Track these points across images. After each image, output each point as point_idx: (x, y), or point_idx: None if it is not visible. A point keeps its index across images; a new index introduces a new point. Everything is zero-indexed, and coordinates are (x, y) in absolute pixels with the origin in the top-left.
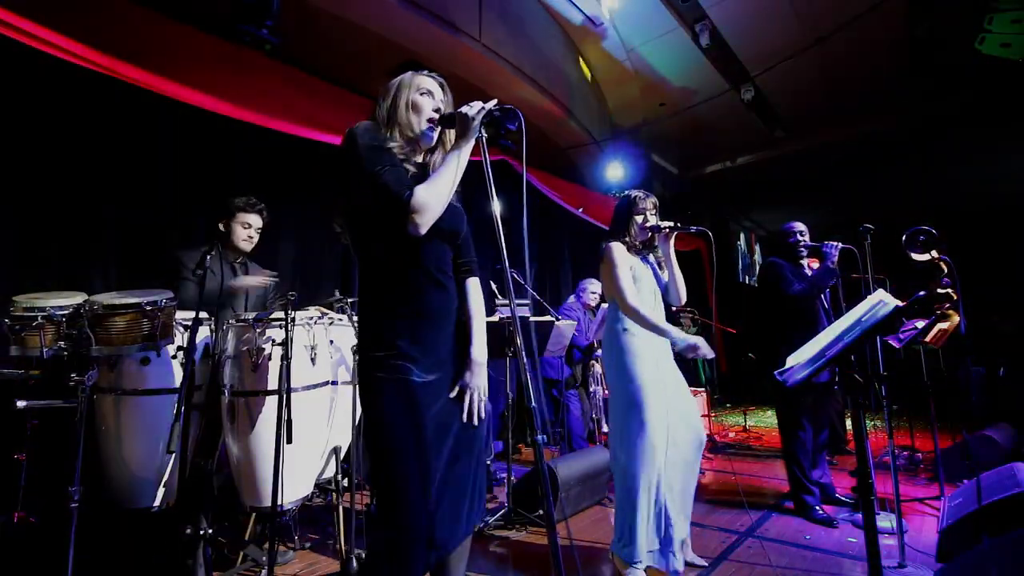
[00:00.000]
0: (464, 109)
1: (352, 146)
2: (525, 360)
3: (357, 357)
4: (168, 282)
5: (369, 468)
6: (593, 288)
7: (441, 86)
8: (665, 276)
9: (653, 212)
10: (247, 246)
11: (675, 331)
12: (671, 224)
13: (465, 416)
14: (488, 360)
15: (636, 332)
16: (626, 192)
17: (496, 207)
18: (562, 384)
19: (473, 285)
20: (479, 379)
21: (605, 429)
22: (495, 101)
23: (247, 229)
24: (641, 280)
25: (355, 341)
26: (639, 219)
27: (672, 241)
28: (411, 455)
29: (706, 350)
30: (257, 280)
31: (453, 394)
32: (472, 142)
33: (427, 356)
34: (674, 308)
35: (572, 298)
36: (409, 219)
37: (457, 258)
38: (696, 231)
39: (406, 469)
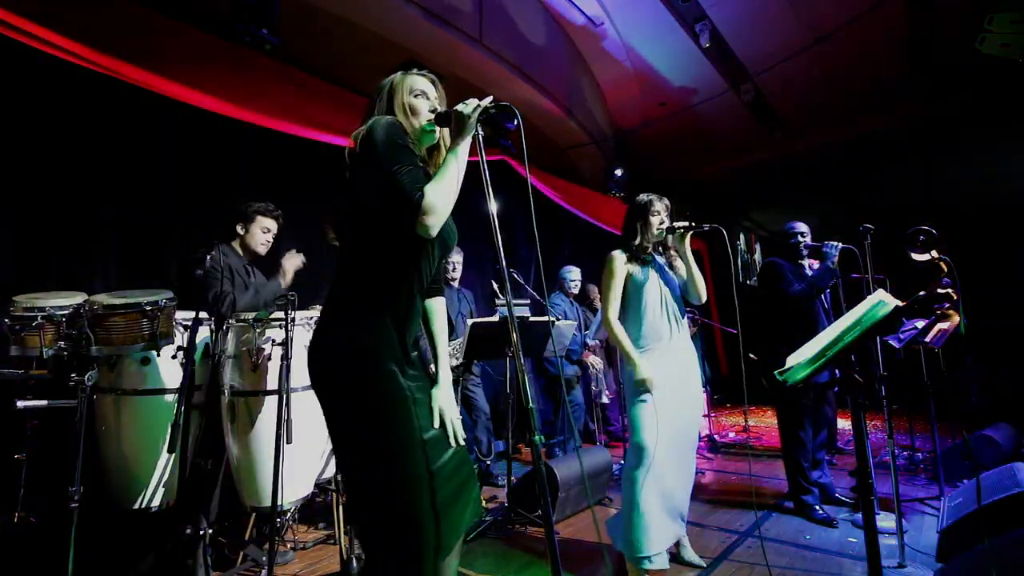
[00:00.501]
0: (459, 107)
1: (371, 141)
2: (523, 360)
3: (332, 357)
4: (185, 288)
5: (352, 470)
6: (573, 276)
7: (433, 82)
8: (678, 276)
9: (666, 214)
10: (264, 250)
11: (636, 361)
12: (685, 224)
13: (452, 441)
14: (486, 360)
15: (647, 345)
16: (639, 195)
17: (493, 207)
18: (563, 383)
19: (439, 304)
20: (447, 397)
21: (605, 400)
22: (491, 98)
23: (266, 234)
24: (646, 286)
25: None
26: (655, 220)
27: (688, 241)
28: (419, 455)
29: (649, 386)
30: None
31: (436, 418)
32: (469, 140)
33: (408, 358)
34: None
35: (556, 292)
36: (419, 220)
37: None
38: (709, 229)
39: (415, 470)
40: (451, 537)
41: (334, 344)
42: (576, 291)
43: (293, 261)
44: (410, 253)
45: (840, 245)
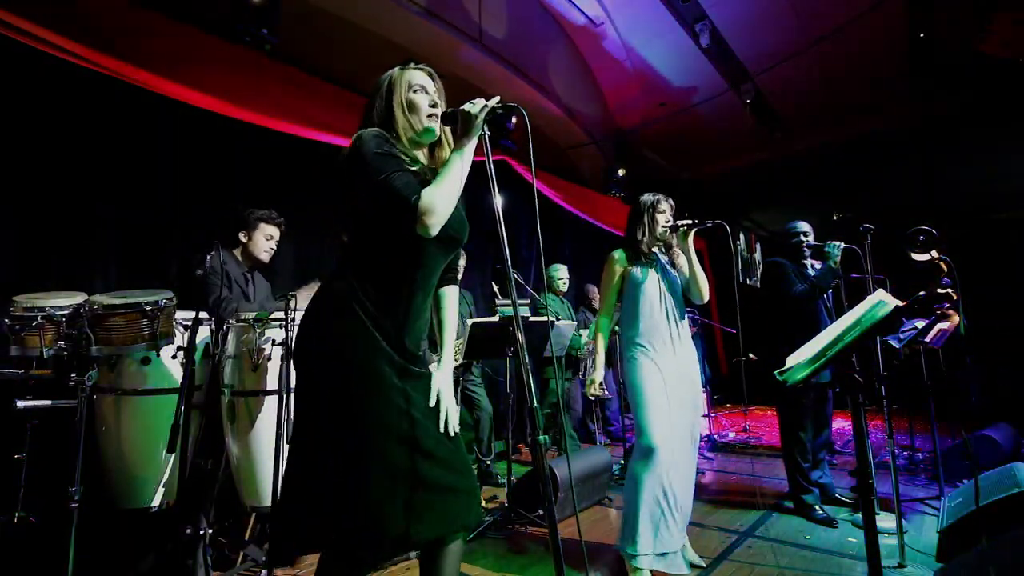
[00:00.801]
0: (466, 106)
1: (358, 153)
2: (526, 360)
3: (317, 361)
4: (185, 288)
5: (331, 475)
6: (560, 275)
7: (431, 76)
8: (680, 275)
9: (671, 213)
10: (267, 257)
11: (598, 368)
12: (689, 222)
13: (442, 427)
14: (486, 360)
15: (646, 343)
16: (644, 194)
17: (499, 207)
18: (560, 396)
19: (451, 293)
20: (446, 383)
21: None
22: (497, 98)
23: (269, 241)
24: (644, 284)
25: None
26: (661, 219)
27: (692, 239)
28: (405, 453)
29: (594, 392)
30: None
31: (432, 402)
32: (475, 140)
33: (406, 357)
34: None
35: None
36: (419, 223)
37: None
38: (713, 225)
39: (398, 467)
40: (428, 528)
41: (320, 348)
42: (565, 289)
43: None
44: (410, 254)
45: (842, 245)
